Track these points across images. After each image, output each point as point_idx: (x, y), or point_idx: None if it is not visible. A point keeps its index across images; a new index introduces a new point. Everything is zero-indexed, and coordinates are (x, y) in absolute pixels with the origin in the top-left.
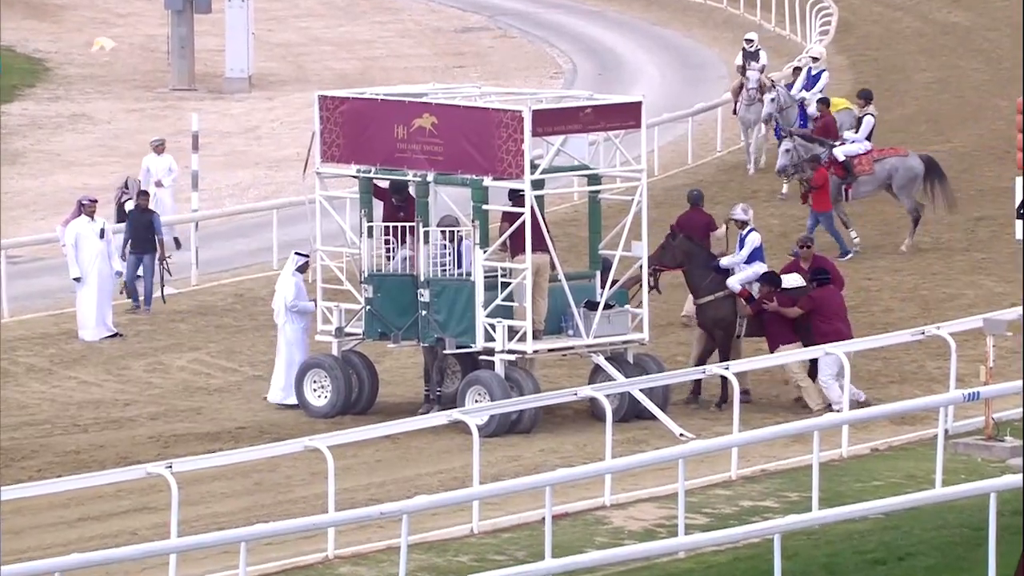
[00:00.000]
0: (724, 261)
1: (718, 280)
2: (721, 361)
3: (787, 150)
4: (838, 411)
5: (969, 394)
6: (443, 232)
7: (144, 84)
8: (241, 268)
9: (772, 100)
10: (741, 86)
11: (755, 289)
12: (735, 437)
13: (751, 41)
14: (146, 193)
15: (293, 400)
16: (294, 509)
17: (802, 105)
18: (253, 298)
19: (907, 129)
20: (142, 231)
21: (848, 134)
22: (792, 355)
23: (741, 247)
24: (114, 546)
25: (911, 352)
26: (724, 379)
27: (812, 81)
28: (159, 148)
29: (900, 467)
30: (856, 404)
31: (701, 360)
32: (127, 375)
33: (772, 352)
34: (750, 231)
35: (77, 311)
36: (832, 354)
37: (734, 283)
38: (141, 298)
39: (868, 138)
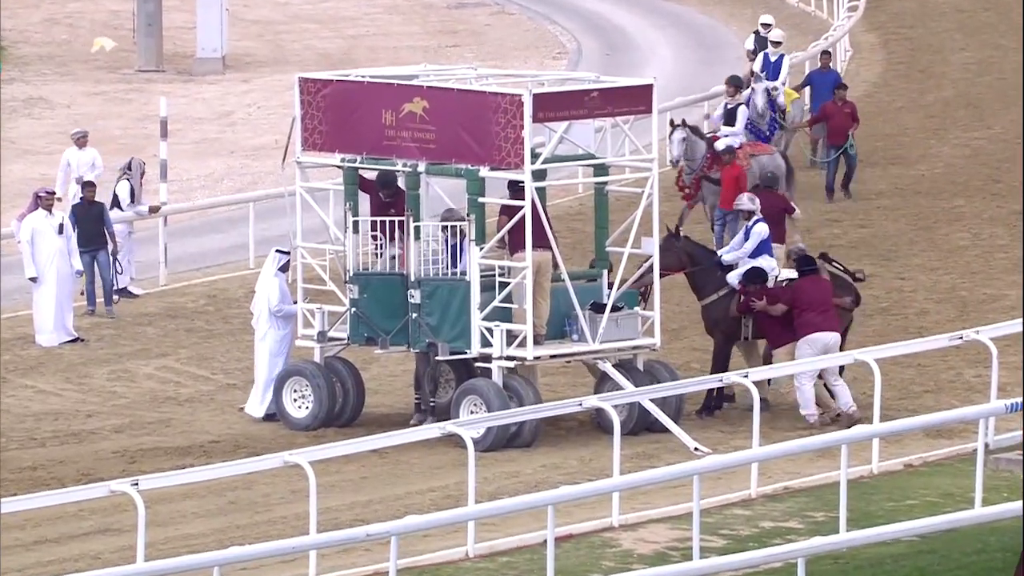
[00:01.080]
0: (727, 256)
1: (720, 279)
2: (714, 368)
3: (682, 139)
4: (809, 420)
5: (1011, 404)
6: (446, 228)
7: (107, 65)
8: (214, 267)
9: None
10: (752, 74)
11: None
12: (755, 452)
13: (768, 26)
14: (92, 184)
15: (273, 412)
16: (272, 531)
17: (771, 97)
18: (227, 299)
19: (944, 114)
20: (91, 225)
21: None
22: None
23: (746, 238)
24: (75, 571)
25: (948, 359)
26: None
27: (774, 69)
28: (81, 141)
29: (936, 484)
30: (848, 419)
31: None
32: (89, 384)
33: (773, 349)
34: (756, 222)
35: (34, 314)
36: (809, 348)
37: (733, 279)
38: (99, 299)
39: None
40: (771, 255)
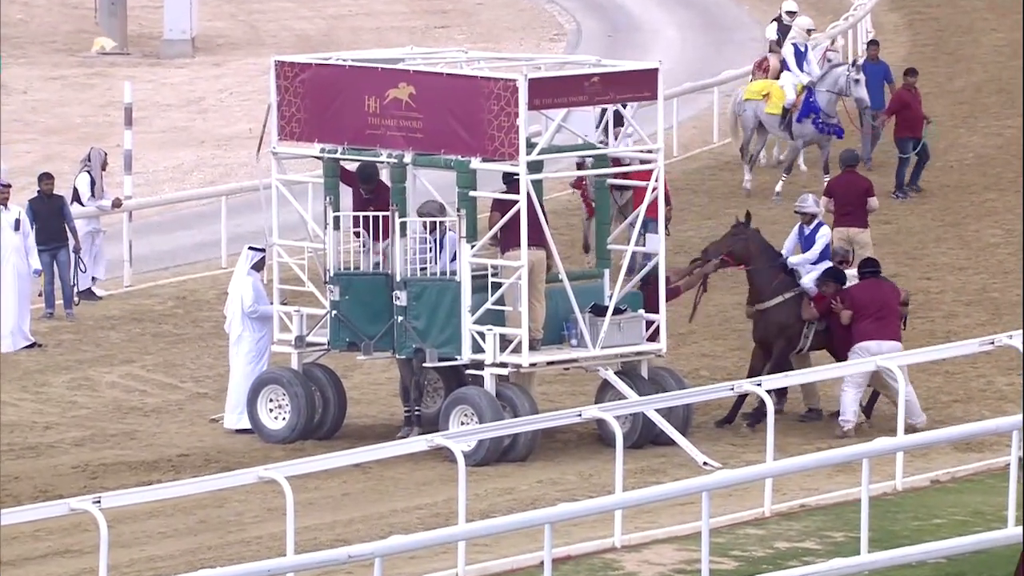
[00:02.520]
0: (793, 260)
1: (785, 281)
2: (773, 372)
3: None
4: (843, 427)
5: None
6: (425, 224)
7: (67, 47)
8: (183, 266)
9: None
10: (765, 65)
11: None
12: (769, 466)
13: (792, 13)
14: (49, 176)
15: (247, 424)
16: (246, 551)
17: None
18: (197, 301)
19: (974, 100)
20: (51, 221)
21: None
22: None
23: (807, 243)
24: None
25: (978, 366)
26: (740, 397)
27: (807, 61)
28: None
29: (965, 502)
30: (911, 430)
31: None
32: (47, 393)
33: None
34: (819, 225)
35: None
36: (860, 357)
37: (809, 283)
38: (59, 302)
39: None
40: (831, 260)
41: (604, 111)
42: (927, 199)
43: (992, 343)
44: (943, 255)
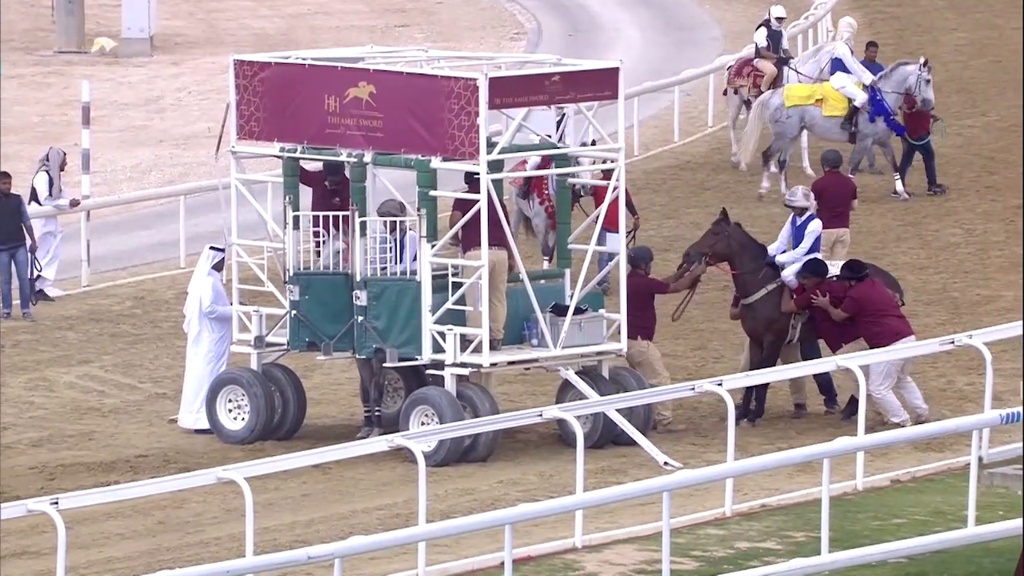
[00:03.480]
0: (783, 257)
1: (769, 275)
2: (765, 367)
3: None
4: (900, 424)
5: (1007, 415)
6: (386, 223)
7: (23, 45)
8: (141, 266)
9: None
10: (750, 70)
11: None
12: (729, 466)
13: (782, 19)
14: (7, 175)
15: (206, 424)
16: (205, 553)
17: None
18: (155, 301)
19: (935, 100)
20: (8, 220)
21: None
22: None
23: (797, 236)
24: None
25: (938, 365)
26: (749, 389)
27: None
28: None
29: (926, 501)
30: (918, 420)
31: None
32: (4, 394)
33: (835, 353)
34: (810, 218)
35: None
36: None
37: (790, 276)
38: (15, 302)
39: None
40: (820, 252)
41: (563, 117)
42: (888, 200)
43: (952, 342)
44: (903, 255)
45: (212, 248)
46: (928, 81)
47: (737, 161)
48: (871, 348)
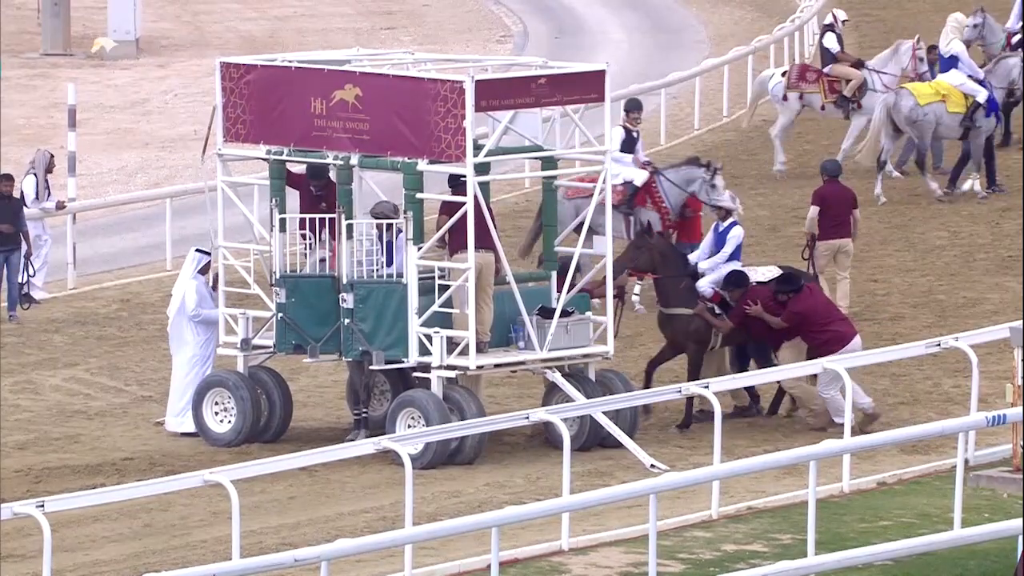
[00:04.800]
0: (704, 264)
1: (689, 292)
2: (690, 379)
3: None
4: (865, 408)
5: (993, 417)
6: (379, 225)
7: (9, 48)
8: (128, 268)
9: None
10: (816, 76)
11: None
12: (716, 469)
13: (846, 22)
14: (9, 176)
15: (192, 427)
16: (191, 556)
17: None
18: (142, 304)
19: None
20: (6, 222)
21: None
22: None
23: (719, 241)
24: None
25: (924, 368)
26: (690, 399)
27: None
28: None
29: (912, 504)
30: (864, 417)
31: (655, 366)
32: None
33: (776, 352)
34: (733, 224)
35: None
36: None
37: (705, 286)
38: (3, 304)
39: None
40: (739, 260)
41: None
42: (873, 202)
43: (939, 345)
44: (889, 257)
45: (198, 251)
46: None
47: (781, 170)
48: (819, 356)
